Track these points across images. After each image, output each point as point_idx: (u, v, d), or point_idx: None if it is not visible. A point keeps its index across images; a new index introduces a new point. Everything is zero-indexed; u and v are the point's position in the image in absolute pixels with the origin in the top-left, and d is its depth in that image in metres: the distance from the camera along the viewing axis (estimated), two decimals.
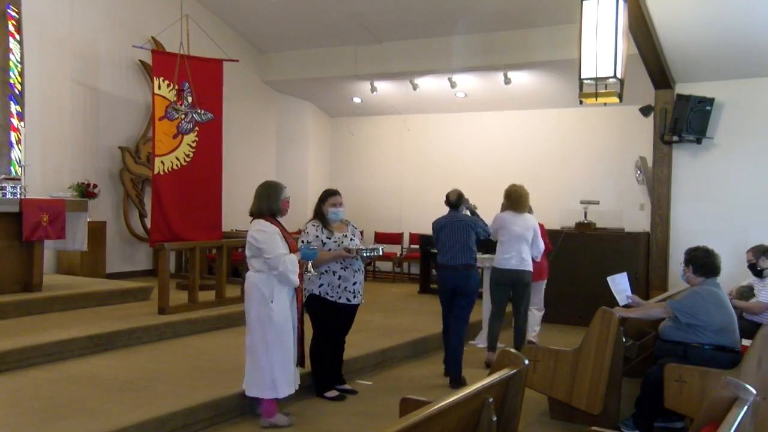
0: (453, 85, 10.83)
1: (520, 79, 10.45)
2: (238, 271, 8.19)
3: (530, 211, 6.86)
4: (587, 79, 6.28)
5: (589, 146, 10.86)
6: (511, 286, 6.59)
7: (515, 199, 6.65)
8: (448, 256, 6.04)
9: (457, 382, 5.83)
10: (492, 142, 11.72)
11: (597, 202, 9.24)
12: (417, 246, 11.22)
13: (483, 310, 7.25)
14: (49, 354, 5.47)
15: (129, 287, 7.77)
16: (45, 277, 7.21)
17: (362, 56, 11.20)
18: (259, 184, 4.87)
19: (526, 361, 3.42)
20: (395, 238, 12.20)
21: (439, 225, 6.22)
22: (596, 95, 6.30)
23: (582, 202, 9.20)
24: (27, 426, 4.06)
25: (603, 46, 6.17)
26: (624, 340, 4.78)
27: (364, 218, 12.55)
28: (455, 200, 6.17)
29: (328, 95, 12.47)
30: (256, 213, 4.76)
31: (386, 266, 12.18)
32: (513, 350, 3.49)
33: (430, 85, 11.18)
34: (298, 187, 12.83)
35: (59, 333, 5.81)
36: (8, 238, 6.63)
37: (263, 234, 4.63)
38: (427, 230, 11.04)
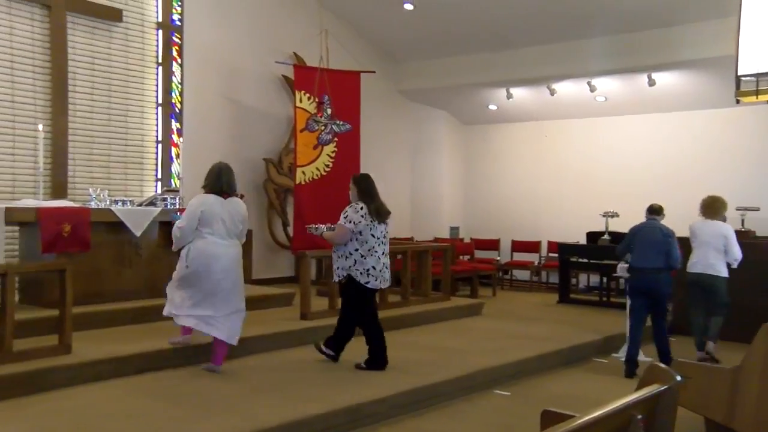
0: (592, 89, 10.45)
1: (666, 80, 9.90)
2: None
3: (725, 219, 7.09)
4: (746, 75, 5.84)
5: (746, 148, 10.09)
6: (699, 290, 6.89)
7: (706, 205, 7.03)
8: (640, 258, 6.43)
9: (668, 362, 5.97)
10: (635, 146, 11.18)
11: (757, 209, 8.55)
12: (555, 254, 10.90)
13: (627, 323, 6.90)
14: (202, 354, 5.79)
15: (273, 293, 8.11)
16: None
17: (497, 63, 11.08)
18: (228, 167, 5.64)
19: (678, 377, 3.20)
20: (532, 247, 11.93)
21: (636, 228, 6.66)
22: (757, 93, 5.86)
23: (738, 209, 8.53)
24: (186, 419, 4.36)
25: (766, 39, 5.70)
26: None
27: (500, 226, 12.41)
28: (658, 207, 6.69)
29: (463, 103, 12.44)
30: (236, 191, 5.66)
31: (523, 275, 11.93)
32: (662, 365, 3.29)
33: (568, 89, 10.86)
34: (433, 194, 12.91)
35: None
36: (169, 245, 7.13)
37: None
38: (566, 238, 10.83)
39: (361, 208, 5.62)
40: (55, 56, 7.93)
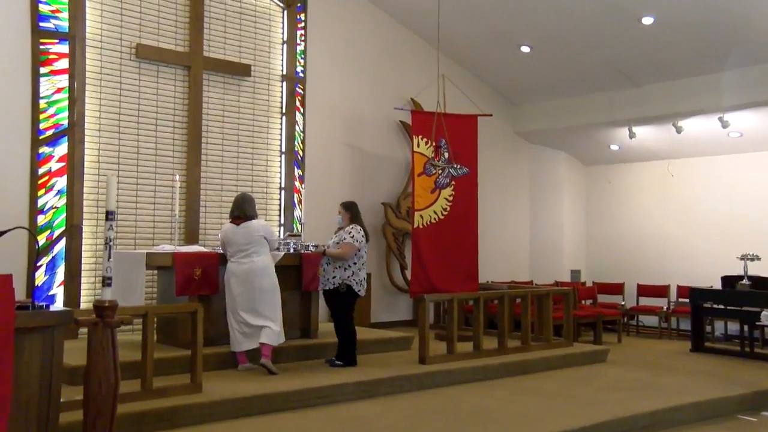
0: (725, 124, 9.89)
1: None
2: (494, 323, 8.18)
3: None
4: None
5: None
6: None
7: None
8: None
9: None
10: None
11: None
12: (686, 299, 10.26)
13: None
14: (323, 396, 5.90)
15: (391, 336, 8.13)
16: (319, 324, 7.87)
17: (619, 102, 10.78)
18: (245, 195, 6.73)
19: None
20: (660, 291, 11.31)
21: None
22: None
23: None
24: None
25: None
26: None
27: (624, 269, 11.90)
28: None
29: (583, 143, 12.16)
30: (254, 215, 6.61)
31: (650, 321, 11.32)
32: None
33: (697, 126, 10.35)
34: (553, 236, 12.59)
35: (332, 378, 6.27)
36: (291, 289, 7.35)
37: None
38: (697, 282, 10.19)
39: (361, 229, 6.84)
40: (191, 111, 8.52)
